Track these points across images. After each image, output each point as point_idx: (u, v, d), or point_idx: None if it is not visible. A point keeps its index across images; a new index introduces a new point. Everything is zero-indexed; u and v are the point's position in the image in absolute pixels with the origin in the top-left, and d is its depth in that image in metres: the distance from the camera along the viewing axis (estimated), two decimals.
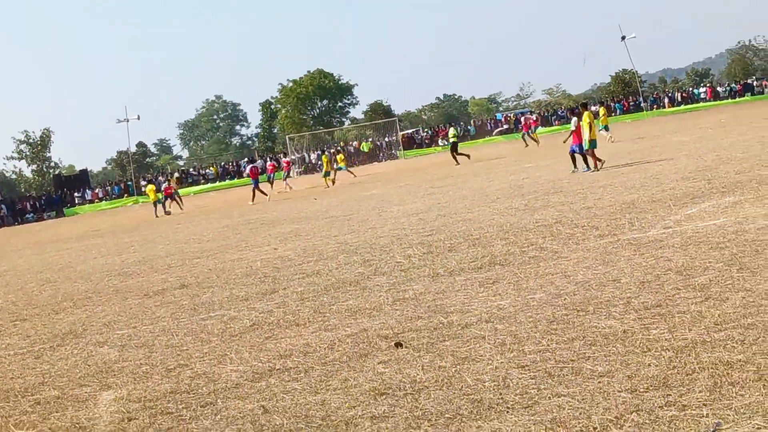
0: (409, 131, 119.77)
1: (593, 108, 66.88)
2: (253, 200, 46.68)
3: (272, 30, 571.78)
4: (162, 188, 56.16)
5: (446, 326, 9.68)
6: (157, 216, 49.19)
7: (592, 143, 29.44)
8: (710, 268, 10.49)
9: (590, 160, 29.23)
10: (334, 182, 52.91)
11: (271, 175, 60.44)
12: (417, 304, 11.23)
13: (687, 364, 7.02)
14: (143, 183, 61.46)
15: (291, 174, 66.90)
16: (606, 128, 50.49)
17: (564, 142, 31.38)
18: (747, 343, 7.29)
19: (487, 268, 13.02)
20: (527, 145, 62.37)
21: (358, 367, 8.55)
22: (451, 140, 55.92)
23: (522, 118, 78.58)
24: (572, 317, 9.15)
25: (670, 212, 15.76)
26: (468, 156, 53.34)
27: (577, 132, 29.56)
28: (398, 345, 9.11)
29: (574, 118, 30.30)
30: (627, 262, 11.67)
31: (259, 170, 56.32)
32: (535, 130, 67.27)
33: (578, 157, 29.34)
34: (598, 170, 28.35)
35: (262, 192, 47.84)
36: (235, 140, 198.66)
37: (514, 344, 8.44)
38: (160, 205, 51.67)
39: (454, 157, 52.86)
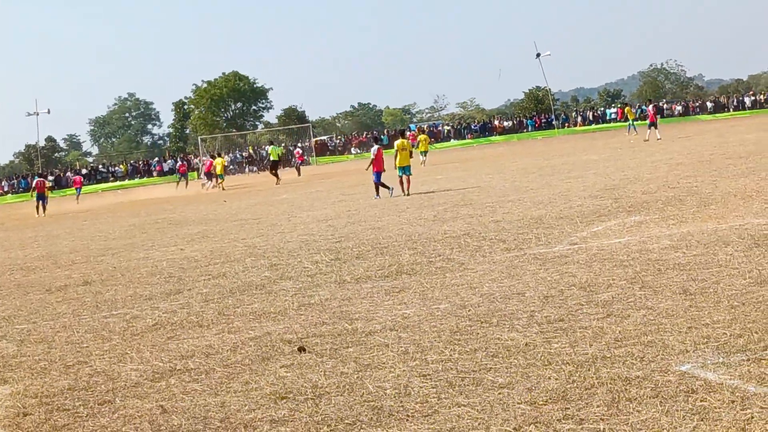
0: (323, 138, 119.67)
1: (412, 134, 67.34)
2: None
3: (188, 30, 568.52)
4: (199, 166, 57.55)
5: (350, 333, 9.68)
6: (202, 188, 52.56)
7: (403, 169, 30.14)
8: (613, 285, 10.63)
9: (403, 184, 29.93)
10: (223, 188, 54.76)
11: (184, 175, 60.39)
12: (322, 309, 11.21)
13: (586, 378, 7.11)
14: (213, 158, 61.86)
15: (203, 175, 66.89)
16: (424, 153, 54.31)
17: (366, 169, 32.19)
18: (646, 360, 7.40)
19: (394, 276, 13.06)
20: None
21: (260, 371, 8.51)
22: (272, 159, 57.49)
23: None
24: (476, 328, 9.20)
25: (577, 229, 15.95)
26: (277, 179, 54.48)
27: (377, 160, 30.27)
28: (301, 350, 9.09)
29: (375, 146, 31.28)
30: (532, 276, 11.78)
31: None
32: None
33: (405, 180, 30.23)
34: (408, 195, 29.13)
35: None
36: (147, 139, 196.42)
37: (417, 353, 8.46)
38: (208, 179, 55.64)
39: (275, 175, 54.35)
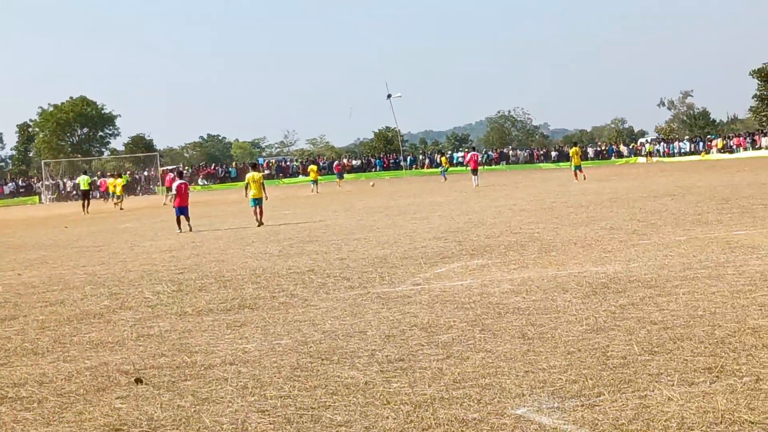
0: (170, 167, 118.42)
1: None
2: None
3: (36, 52, 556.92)
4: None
5: (189, 366, 9.55)
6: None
7: (255, 201, 31.37)
8: (454, 326, 10.74)
9: (256, 214, 31.17)
10: (121, 207, 56.25)
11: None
12: (161, 341, 11.05)
13: (424, 419, 7.14)
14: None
15: (45, 200, 67.32)
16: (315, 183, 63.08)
17: (165, 204, 32.73)
18: (483, 403, 7.48)
19: (236, 310, 12.96)
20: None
21: (95, 401, 8.33)
22: (82, 188, 58.21)
23: None
24: (316, 365, 9.18)
25: (421, 269, 16.09)
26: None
27: (180, 194, 30.89)
28: (138, 381, 8.93)
29: (178, 181, 32.02)
30: (374, 315, 11.82)
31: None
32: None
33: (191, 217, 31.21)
34: (262, 224, 30.39)
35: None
36: None
37: (257, 388, 8.40)
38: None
39: (85, 205, 55.00)
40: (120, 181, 59.73)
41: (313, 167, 70.07)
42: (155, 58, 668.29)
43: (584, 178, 51.26)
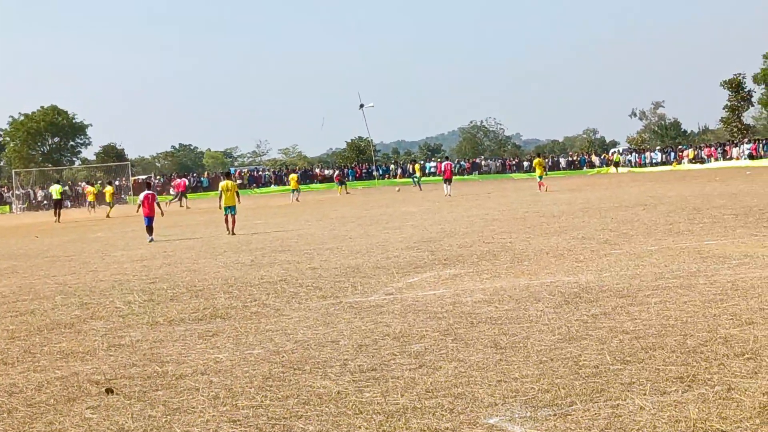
0: (142, 177, 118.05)
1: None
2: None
3: (6, 62, 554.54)
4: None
5: (160, 375, 9.51)
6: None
7: (228, 209, 31.78)
8: (427, 336, 10.73)
9: (228, 222, 31.66)
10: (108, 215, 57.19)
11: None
12: (132, 351, 11.00)
13: (396, 428, 7.13)
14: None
15: (15, 210, 68.08)
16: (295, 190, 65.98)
17: (137, 212, 33.81)
18: (455, 412, 7.47)
19: (208, 320, 12.91)
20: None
21: (65, 411, 8.27)
22: (54, 198, 58.74)
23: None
24: (289, 375, 9.15)
25: (393, 279, 16.09)
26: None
27: (147, 204, 31.51)
28: (109, 391, 8.87)
29: (144, 192, 32.43)
30: (347, 325, 11.80)
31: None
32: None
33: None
34: (234, 234, 30.64)
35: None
36: None
37: (228, 398, 8.36)
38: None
39: (57, 214, 55.69)
40: (109, 189, 61.16)
41: (293, 176, 70.85)
42: (127, 67, 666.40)
43: (545, 190, 51.44)
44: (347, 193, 73.91)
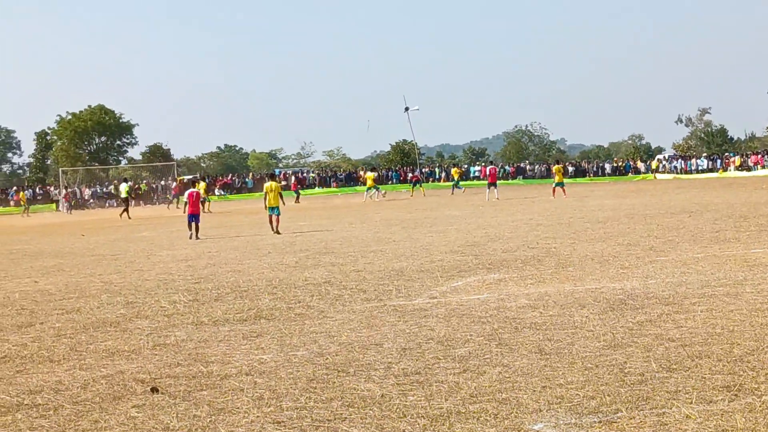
0: (188, 177, 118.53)
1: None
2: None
3: (55, 60, 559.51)
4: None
5: (205, 375, 9.55)
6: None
7: (272, 209, 32.70)
8: (471, 341, 10.71)
9: (272, 222, 32.66)
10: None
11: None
12: (177, 350, 11.05)
13: None
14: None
15: (62, 209, 68.53)
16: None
17: (183, 212, 34.07)
18: (500, 418, 7.45)
19: (253, 321, 12.96)
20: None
21: (111, 410, 8.32)
22: (122, 197, 59.62)
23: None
24: (333, 377, 9.17)
25: (437, 283, 16.07)
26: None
27: (193, 202, 32.44)
28: (154, 390, 8.92)
29: (189, 190, 33.67)
30: (391, 328, 11.80)
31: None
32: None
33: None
34: (279, 233, 31.41)
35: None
36: (6, 168, 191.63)
37: (273, 399, 8.39)
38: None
39: (126, 212, 56.22)
40: (203, 185, 61.46)
41: (370, 174, 70.11)
42: (173, 68, 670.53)
43: (562, 196, 51.31)
44: (423, 195, 72.50)
